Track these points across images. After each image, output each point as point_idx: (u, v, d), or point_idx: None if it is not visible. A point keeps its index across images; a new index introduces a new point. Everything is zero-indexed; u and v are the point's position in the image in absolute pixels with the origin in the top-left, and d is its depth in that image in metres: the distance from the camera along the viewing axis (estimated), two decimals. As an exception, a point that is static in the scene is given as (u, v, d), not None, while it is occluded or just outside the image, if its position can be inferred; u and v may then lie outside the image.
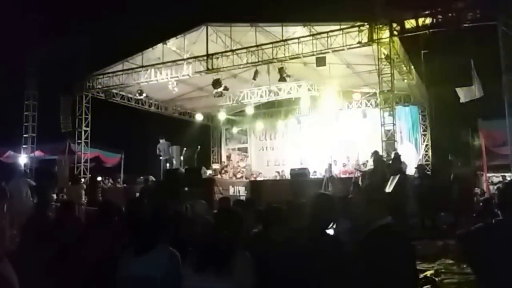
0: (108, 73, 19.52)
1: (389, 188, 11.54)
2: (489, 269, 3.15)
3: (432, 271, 7.51)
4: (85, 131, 19.91)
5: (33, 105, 20.13)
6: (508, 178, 14.54)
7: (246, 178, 19.92)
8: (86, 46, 18.57)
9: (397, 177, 11.82)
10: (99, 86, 19.84)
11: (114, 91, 20.34)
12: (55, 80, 19.59)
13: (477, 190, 15.76)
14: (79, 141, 19.80)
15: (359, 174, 15.92)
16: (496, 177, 17.54)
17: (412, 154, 20.27)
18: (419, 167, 15.62)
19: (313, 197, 3.97)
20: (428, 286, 6.64)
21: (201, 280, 3.36)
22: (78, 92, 19.86)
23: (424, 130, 21.12)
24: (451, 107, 17.31)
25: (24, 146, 20.15)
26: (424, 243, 9.73)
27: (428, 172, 16.39)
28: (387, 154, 14.10)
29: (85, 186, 16.35)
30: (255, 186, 17.65)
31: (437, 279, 7.10)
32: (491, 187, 15.43)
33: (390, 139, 14.73)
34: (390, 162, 13.36)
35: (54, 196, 15.44)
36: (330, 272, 3.24)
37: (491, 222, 3.42)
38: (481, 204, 12.00)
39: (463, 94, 15.49)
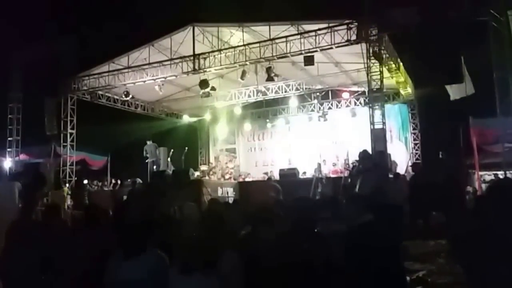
0: (94, 74, 19.25)
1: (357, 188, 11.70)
2: (481, 269, 3.12)
3: (424, 272, 7.47)
4: (71, 134, 19.62)
5: (17, 107, 19.76)
6: (500, 177, 14.48)
7: (235, 179, 19.77)
8: (71, 47, 18.30)
9: (361, 176, 11.91)
10: (85, 88, 19.56)
11: (100, 92, 20.10)
12: (40, 82, 19.27)
13: (469, 188, 15.72)
14: (64, 143, 19.47)
15: (348, 174, 15.78)
16: (488, 175, 17.51)
17: (402, 153, 20.24)
18: (414, 166, 15.53)
19: (293, 201, 4.21)
20: (421, 286, 6.66)
21: (187, 281, 3.39)
22: (63, 94, 19.56)
23: (414, 129, 21.05)
24: (441, 105, 17.26)
25: (8, 149, 19.76)
26: (416, 243, 9.70)
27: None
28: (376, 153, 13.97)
29: (67, 191, 16.09)
30: (243, 187, 17.47)
31: (429, 279, 7.06)
32: (483, 185, 15.38)
33: (379, 138, 14.57)
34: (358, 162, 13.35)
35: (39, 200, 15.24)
36: (319, 271, 3.28)
37: (483, 221, 3.42)
38: (473, 202, 11.89)
39: (453, 92, 15.42)
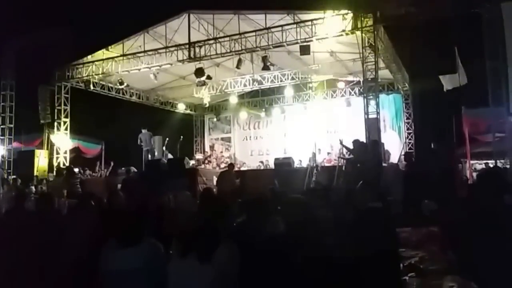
0: (88, 62, 19.17)
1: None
2: (472, 255, 3.21)
3: (416, 258, 7.46)
4: (64, 122, 19.62)
5: (10, 95, 19.69)
6: (491, 166, 14.60)
7: (230, 168, 19.73)
8: (65, 35, 18.18)
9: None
10: (79, 76, 19.44)
11: (94, 80, 19.99)
12: (33, 69, 19.15)
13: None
14: (58, 132, 19.46)
15: (342, 163, 15.83)
16: (479, 164, 17.64)
17: (396, 142, 20.35)
18: (406, 155, 15.62)
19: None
20: (413, 273, 6.65)
21: (185, 266, 3.41)
22: (57, 82, 19.51)
23: (407, 118, 21.13)
24: (434, 95, 17.32)
25: (1, 137, 19.71)
26: (408, 230, 9.73)
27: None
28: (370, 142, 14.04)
29: (65, 179, 16.02)
30: (239, 176, 17.41)
31: (421, 266, 7.04)
32: (474, 174, 15.47)
33: (373, 127, 14.65)
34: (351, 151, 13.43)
35: (33, 188, 15.23)
36: (313, 258, 3.24)
37: (474, 208, 3.51)
38: (464, 191, 11.98)
39: (447, 82, 15.49)
